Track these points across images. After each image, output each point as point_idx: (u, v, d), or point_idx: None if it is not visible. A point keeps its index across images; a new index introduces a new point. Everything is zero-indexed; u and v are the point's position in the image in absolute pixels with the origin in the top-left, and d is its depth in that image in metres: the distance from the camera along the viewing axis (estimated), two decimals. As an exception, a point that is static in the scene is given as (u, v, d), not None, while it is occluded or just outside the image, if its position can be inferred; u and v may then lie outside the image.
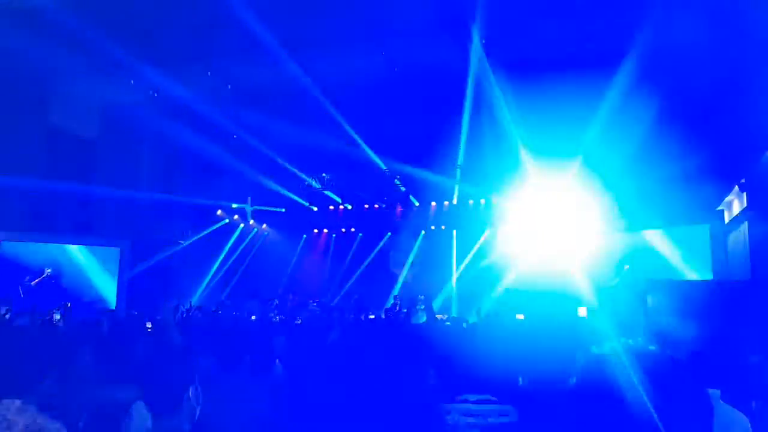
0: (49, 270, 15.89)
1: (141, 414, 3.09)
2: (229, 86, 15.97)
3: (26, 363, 2.78)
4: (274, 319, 12.07)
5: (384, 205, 20.86)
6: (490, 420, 3.26)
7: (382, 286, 20.67)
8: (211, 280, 20.03)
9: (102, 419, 2.74)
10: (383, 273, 21.71)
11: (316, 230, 22.99)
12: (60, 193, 16.57)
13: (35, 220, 15.77)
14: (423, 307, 7.26)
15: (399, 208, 21.62)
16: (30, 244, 15.85)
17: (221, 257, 20.88)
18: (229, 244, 21.43)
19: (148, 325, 7.91)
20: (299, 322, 5.89)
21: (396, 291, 20.16)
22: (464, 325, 9.03)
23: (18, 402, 2.59)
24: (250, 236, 22.44)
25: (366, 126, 17.21)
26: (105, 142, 17.78)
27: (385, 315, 13.21)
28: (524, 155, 15.13)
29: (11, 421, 2.54)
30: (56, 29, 11.87)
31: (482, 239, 20.08)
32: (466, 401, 3.33)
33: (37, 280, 15.67)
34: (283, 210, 21.73)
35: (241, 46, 13.71)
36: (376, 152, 18.07)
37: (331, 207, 21.80)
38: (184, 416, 2.13)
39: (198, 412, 2.18)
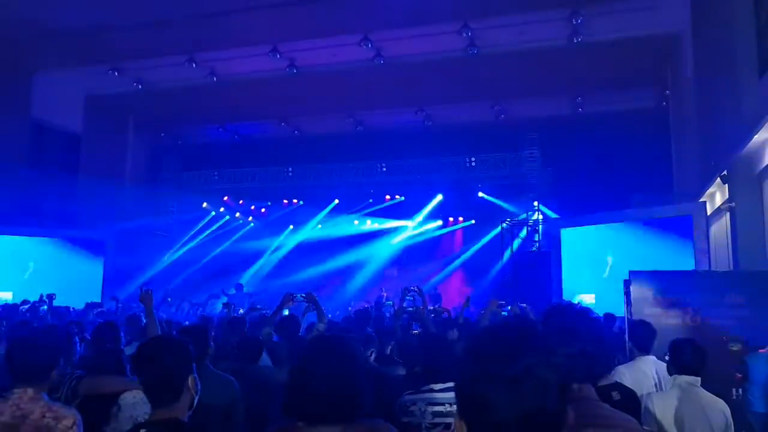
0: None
1: (129, 403, 3.11)
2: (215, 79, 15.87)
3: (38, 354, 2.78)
4: (261, 311, 12.03)
5: (371, 200, 20.82)
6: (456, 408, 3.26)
7: (370, 278, 20.73)
8: (197, 272, 19.93)
9: (92, 408, 2.76)
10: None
11: (302, 223, 22.92)
12: (44, 186, 16.46)
13: (19, 212, 15.62)
14: (412, 298, 7.27)
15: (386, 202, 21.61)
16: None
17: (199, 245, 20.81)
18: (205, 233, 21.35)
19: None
20: (287, 313, 5.91)
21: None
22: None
23: (30, 391, 2.61)
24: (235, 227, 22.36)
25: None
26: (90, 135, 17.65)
27: (374, 307, 13.24)
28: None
29: (26, 410, 2.56)
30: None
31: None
32: (431, 390, 3.34)
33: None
34: (269, 203, 21.65)
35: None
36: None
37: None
38: (183, 405, 2.16)
39: (196, 401, 2.21)
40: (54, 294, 9.57)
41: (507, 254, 17.29)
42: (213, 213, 20.93)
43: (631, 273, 6.96)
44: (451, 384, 3.33)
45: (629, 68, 14.73)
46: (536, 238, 17.25)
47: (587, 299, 12.42)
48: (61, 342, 2.99)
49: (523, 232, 17.59)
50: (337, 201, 20.76)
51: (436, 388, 3.33)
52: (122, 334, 5.58)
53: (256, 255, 22.35)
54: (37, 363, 2.75)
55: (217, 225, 21.58)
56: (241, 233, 22.27)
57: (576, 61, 14.29)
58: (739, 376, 6.03)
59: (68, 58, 14.44)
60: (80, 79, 16.48)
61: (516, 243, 17.39)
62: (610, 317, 8.51)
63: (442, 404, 3.26)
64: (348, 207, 21.34)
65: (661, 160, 15.20)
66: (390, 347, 5.46)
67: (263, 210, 22.37)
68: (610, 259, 12.93)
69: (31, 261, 15.84)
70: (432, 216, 21.54)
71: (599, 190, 15.43)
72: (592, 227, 13.95)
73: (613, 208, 13.93)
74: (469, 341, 1.24)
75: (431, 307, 12.87)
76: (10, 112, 15.18)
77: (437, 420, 3.25)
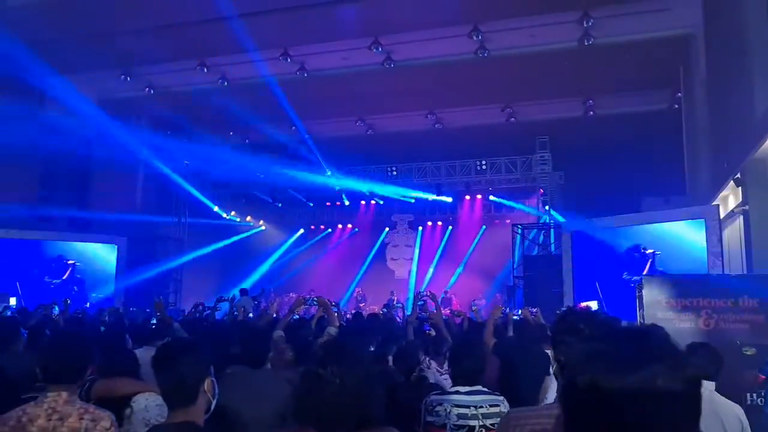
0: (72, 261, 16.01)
1: (142, 406, 3.12)
2: (226, 83, 15.97)
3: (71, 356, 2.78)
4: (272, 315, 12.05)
5: (381, 201, 20.87)
6: (482, 410, 3.32)
7: (381, 281, 20.78)
8: (205, 272, 20.00)
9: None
10: (382, 268, 21.82)
11: (313, 226, 23.05)
12: (56, 190, 16.60)
13: (31, 215, 15.74)
14: (423, 302, 7.29)
15: (395, 205, 21.68)
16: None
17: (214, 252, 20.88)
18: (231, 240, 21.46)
19: (153, 321, 7.91)
20: (297, 316, 5.94)
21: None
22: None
23: (65, 394, 2.61)
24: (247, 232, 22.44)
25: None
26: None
27: (384, 310, 13.26)
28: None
29: (63, 412, 2.57)
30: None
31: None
32: (458, 392, 3.39)
33: (67, 274, 15.81)
34: (279, 205, 21.71)
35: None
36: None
37: (328, 203, 21.81)
38: (199, 408, 2.17)
39: (213, 404, 2.22)
40: (69, 299, 9.64)
41: (518, 257, 17.24)
42: (224, 215, 21.00)
43: (643, 277, 6.93)
44: (477, 387, 3.39)
45: (641, 70, 14.68)
46: (541, 240, 17.18)
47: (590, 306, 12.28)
48: (93, 343, 2.99)
49: (533, 235, 17.54)
50: (348, 202, 20.85)
51: (463, 391, 3.39)
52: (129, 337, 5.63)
53: (266, 258, 22.46)
54: (72, 364, 2.72)
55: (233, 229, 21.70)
56: (247, 234, 22.42)
57: (587, 63, 14.25)
58: (763, 377, 5.97)
59: (80, 62, 14.52)
60: (92, 83, 16.58)
61: (527, 246, 17.35)
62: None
63: (468, 407, 3.33)
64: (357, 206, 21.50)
65: (673, 162, 15.12)
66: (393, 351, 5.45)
67: (274, 214, 22.51)
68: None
69: (42, 263, 15.95)
70: (442, 219, 21.59)
71: (611, 193, 15.35)
72: (604, 230, 13.89)
73: (625, 211, 13.88)
74: (582, 346, 1.11)
75: (448, 312, 12.92)
76: (23, 116, 15.30)
77: (461, 422, 3.31)
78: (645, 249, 12.48)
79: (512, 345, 5.38)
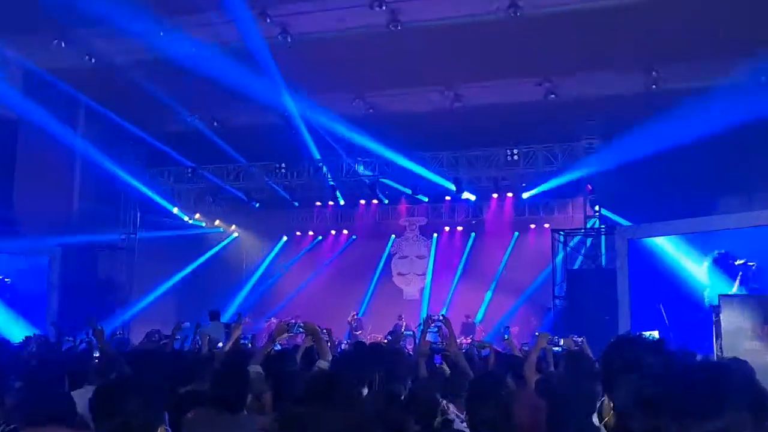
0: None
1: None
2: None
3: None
4: (246, 346, 12.03)
5: (386, 201, 20.76)
6: None
7: (385, 303, 20.76)
8: (162, 293, 19.95)
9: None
10: (387, 285, 21.78)
11: (299, 232, 23.05)
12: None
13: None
14: (436, 329, 7.26)
15: (403, 206, 21.59)
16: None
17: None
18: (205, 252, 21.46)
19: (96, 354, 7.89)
20: (279, 346, 5.90)
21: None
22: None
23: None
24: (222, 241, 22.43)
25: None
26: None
27: (389, 338, 13.23)
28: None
29: None
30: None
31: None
32: None
33: None
34: (257, 205, 21.59)
35: None
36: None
37: (318, 203, 21.67)
38: None
39: None
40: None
41: (559, 272, 17.22)
42: (186, 218, 20.96)
43: (721, 297, 6.89)
44: None
45: (735, 26, 13.99)
46: (588, 249, 17.17)
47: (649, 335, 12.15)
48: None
49: (576, 242, 17.55)
50: (343, 202, 20.78)
51: None
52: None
53: (240, 273, 22.44)
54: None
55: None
56: (219, 248, 22.42)
57: (655, 19, 13.80)
58: None
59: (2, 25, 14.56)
60: (17, 51, 16.60)
61: (570, 257, 17.34)
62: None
63: None
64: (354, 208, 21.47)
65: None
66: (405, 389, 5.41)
67: (248, 217, 22.46)
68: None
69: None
70: (463, 223, 21.56)
71: (678, 190, 15.31)
72: (670, 238, 13.87)
73: (695, 215, 13.84)
74: (641, 387, 1.09)
75: (469, 341, 12.89)
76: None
77: None
78: (734, 261, 12.24)
79: (561, 383, 5.33)
